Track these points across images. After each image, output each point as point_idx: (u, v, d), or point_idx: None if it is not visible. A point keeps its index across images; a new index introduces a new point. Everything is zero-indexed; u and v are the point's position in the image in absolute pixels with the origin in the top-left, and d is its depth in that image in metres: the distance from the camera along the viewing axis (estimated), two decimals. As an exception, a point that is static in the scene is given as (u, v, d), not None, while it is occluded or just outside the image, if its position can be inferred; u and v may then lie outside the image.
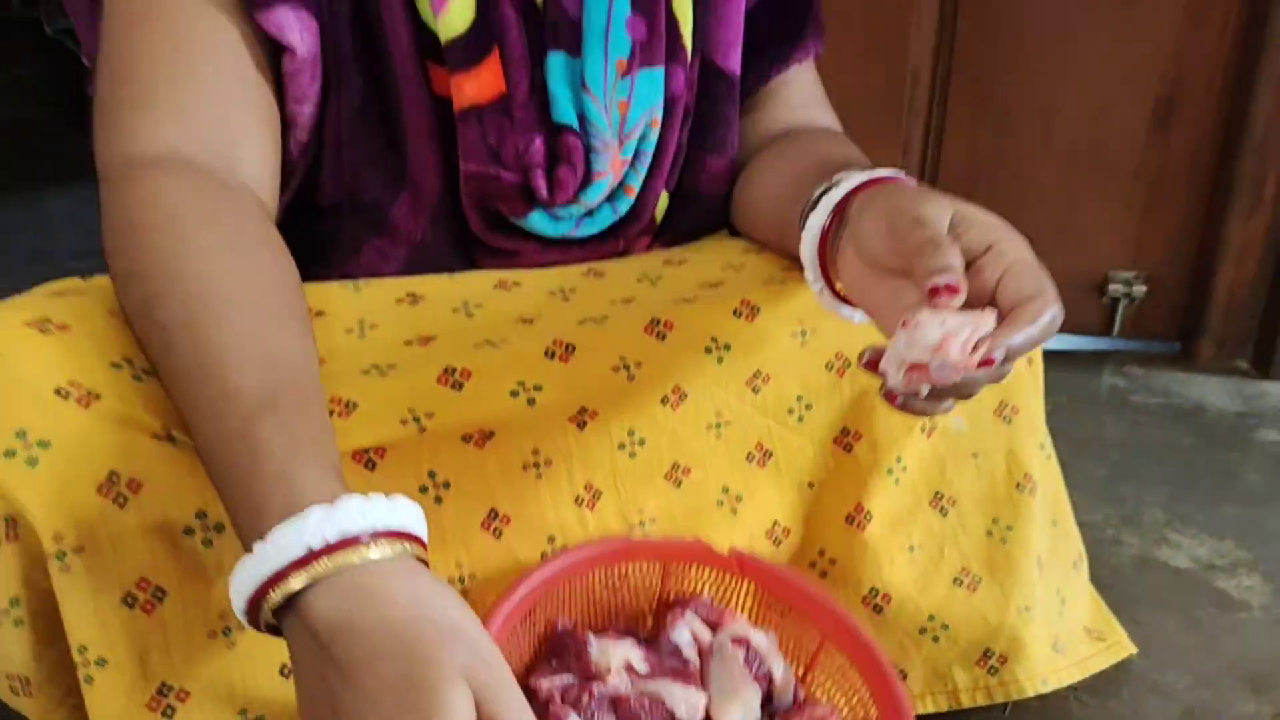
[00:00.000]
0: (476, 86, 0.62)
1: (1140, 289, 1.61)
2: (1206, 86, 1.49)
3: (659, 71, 0.67)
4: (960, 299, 0.46)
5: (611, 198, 0.70)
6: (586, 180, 0.67)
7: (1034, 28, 1.50)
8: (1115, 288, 1.61)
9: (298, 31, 0.59)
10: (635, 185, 0.70)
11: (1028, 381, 0.75)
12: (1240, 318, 1.57)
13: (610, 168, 0.67)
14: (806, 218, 0.58)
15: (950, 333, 0.44)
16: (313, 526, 0.39)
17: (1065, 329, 1.60)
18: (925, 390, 0.46)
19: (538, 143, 0.65)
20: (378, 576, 0.39)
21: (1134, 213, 1.58)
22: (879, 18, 1.52)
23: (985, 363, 0.44)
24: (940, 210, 0.50)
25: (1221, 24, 1.46)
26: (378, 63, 0.63)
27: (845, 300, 0.58)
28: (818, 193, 0.58)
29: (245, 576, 0.40)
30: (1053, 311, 0.47)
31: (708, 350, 0.63)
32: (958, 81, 1.55)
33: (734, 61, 0.72)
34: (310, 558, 0.39)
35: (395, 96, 0.63)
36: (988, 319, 0.46)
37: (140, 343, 0.51)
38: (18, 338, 0.48)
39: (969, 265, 0.48)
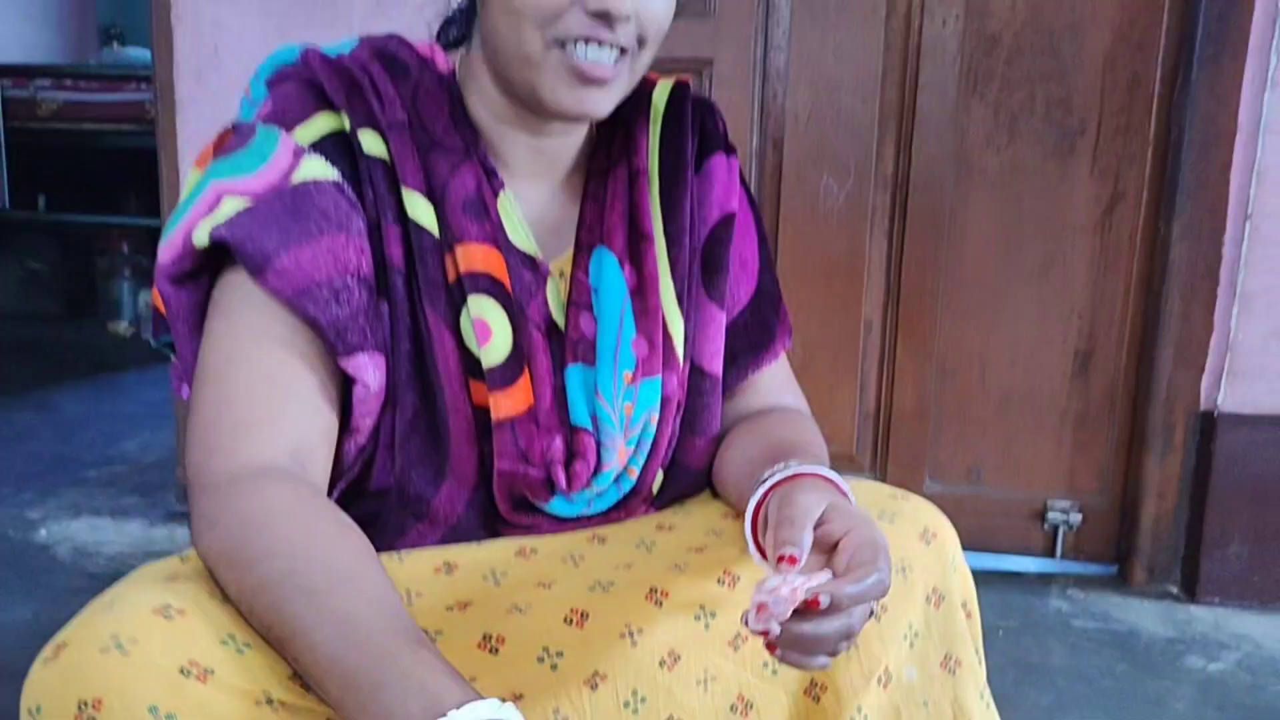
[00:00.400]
0: (510, 402, 0.74)
1: (1077, 517, 1.77)
2: (1116, 344, 1.72)
3: (657, 380, 0.80)
4: (799, 566, 0.62)
5: (618, 480, 0.83)
6: (597, 470, 0.78)
7: (968, 288, 1.74)
8: (1054, 515, 1.77)
9: (371, 370, 0.71)
10: (637, 468, 0.81)
11: (968, 636, 0.84)
12: (1166, 545, 1.73)
13: (617, 458, 0.79)
14: (748, 500, 0.74)
15: (787, 583, 0.60)
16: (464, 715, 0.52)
17: (1015, 551, 1.76)
18: (776, 629, 0.60)
19: (558, 442, 0.76)
20: None
21: (1065, 449, 1.77)
22: (837, 277, 1.76)
23: (812, 603, 0.60)
24: (815, 502, 0.66)
25: (1124, 291, 1.70)
26: (428, 383, 0.74)
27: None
28: (762, 478, 0.74)
29: None
30: (878, 575, 0.61)
31: (696, 617, 0.74)
32: (905, 331, 1.77)
33: (717, 366, 0.87)
34: None
35: (443, 409, 0.74)
36: (820, 575, 0.62)
37: (252, 614, 0.61)
38: (147, 625, 0.57)
39: (834, 545, 0.64)
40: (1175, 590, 1.73)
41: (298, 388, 0.69)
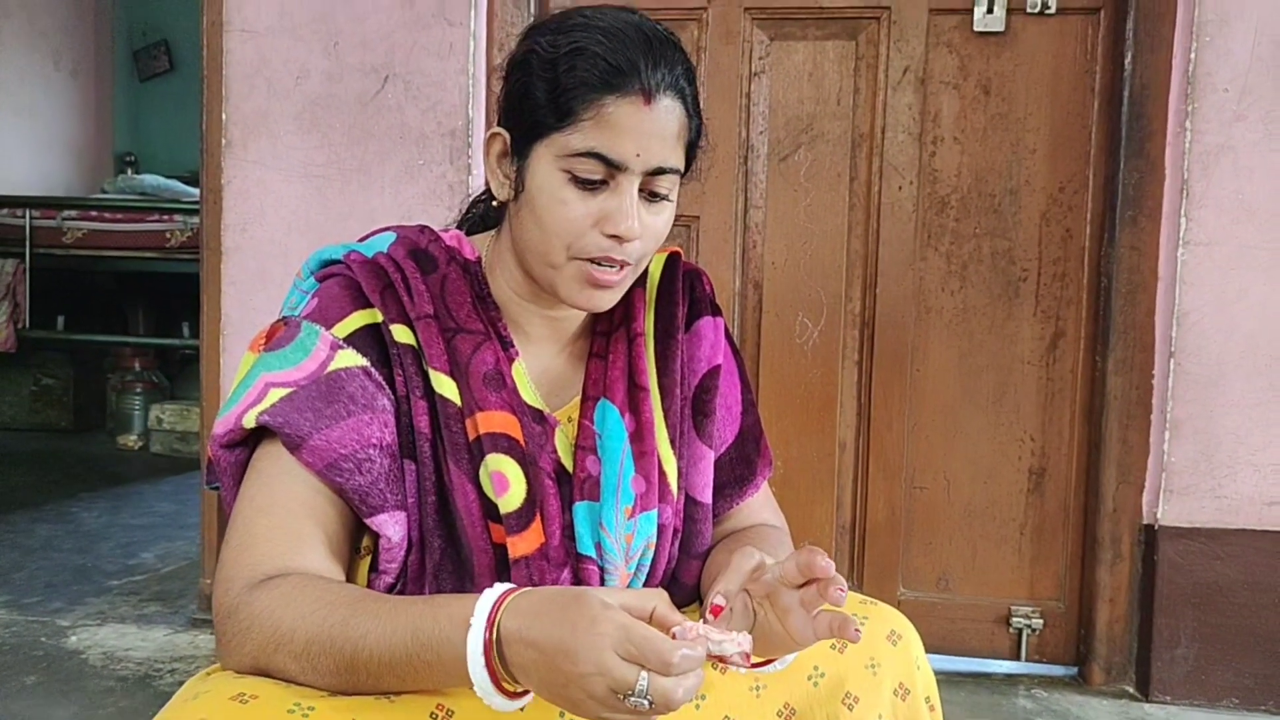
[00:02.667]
0: (525, 543, 0.84)
1: (1038, 621, 1.93)
2: (1066, 463, 1.92)
3: (654, 513, 0.90)
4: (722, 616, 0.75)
5: None
6: None
7: (931, 413, 1.94)
8: (1018, 620, 1.94)
9: (391, 526, 0.82)
10: (637, 588, 0.89)
11: None
12: (1121, 648, 1.89)
13: (619, 582, 0.89)
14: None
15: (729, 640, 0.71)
16: (488, 597, 0.68)
17: (981, 653, 1.91)
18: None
19: (565, 572, 0.86)
20: (533, 597, 0.68)
21: (1025, 558, 1.95)
22: (813, 404, 1.96)
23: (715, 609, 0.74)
24: (747, 561, 0.77)
25: (1070, 417, 1.91)
26: (452, 528, 0.85)
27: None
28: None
29: (475, 635, 0.66)
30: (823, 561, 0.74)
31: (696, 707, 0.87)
32: (875, 452, 1.96)
33: (707, 496, 0.95)
34: (499, 603, 0.67)
35: (467, 549, 0.85)
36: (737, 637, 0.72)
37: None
38: (228, 709, 0.68)
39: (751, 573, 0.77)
40: (1131, 689, 1.88)
41: (312, 539, 0.81)
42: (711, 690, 0.88)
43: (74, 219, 3.78)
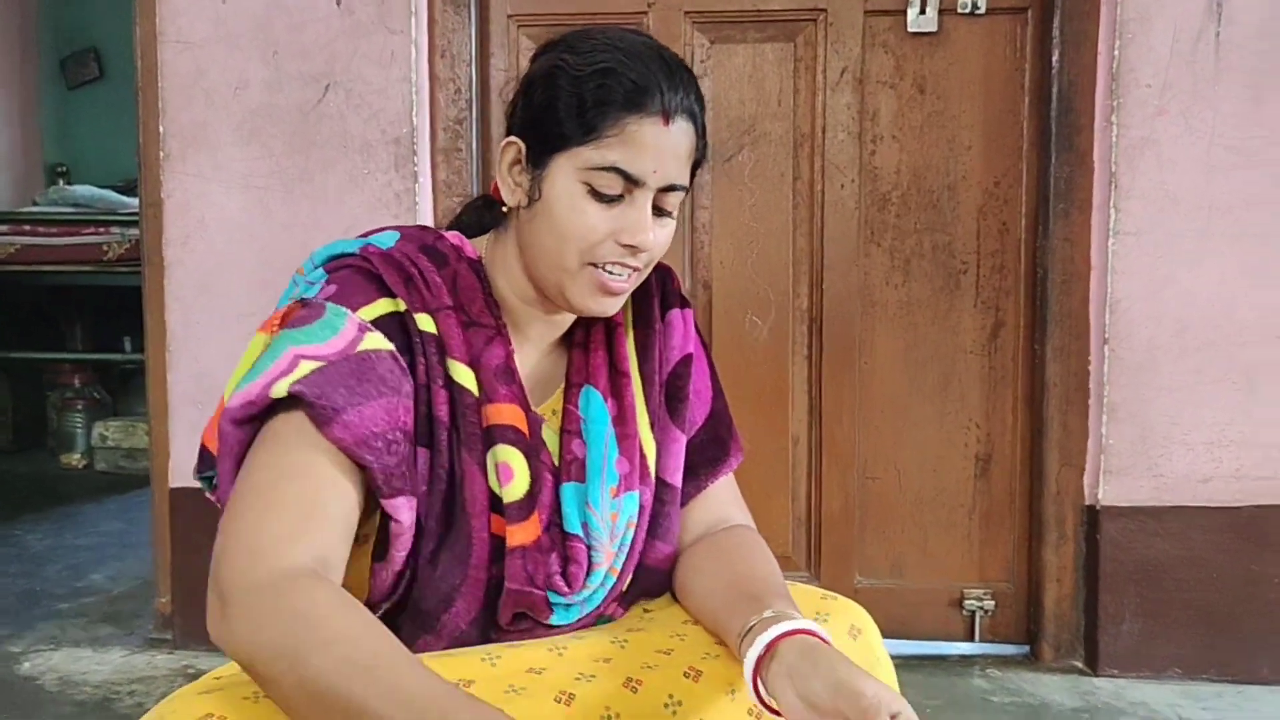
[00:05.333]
0: (523, 533, 0.88)
1: (990, 603, 1.99)
2: (1010, 448, 1.98)
3: (636, 493, 0.94)
4: None
5: (604, 581, 0.93)
6: (589, 571, 0.91)
7: (880, 404, 1.99)
8: (970, 602, 1.99)
9: (405, 511, 0.83)
10: (618, 568, 0.94)
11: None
12: (1069, 625, 1.95)
13: (604, 560, 0.92)
14: (743, 649, 0.82)
15: None
16: None
17: (936, 636, 1.97)
18: None
19: (554, 557, 0.90)
20: None
21: (973, 542, 2.00)
22: (765, 400, 1.99)
23: None
24: (875, 690, 0.74)
25: (1013, 403, 1.97)
26: (454, 517, 0.88)
27: (776, 712, 0.84)
28: (750, 625, 0.83)
29: None
30: None
31: (665, 705, 0.90)
32: (828, 444, 2.00)
33: (677, 479, 0.99)
34: None
35: (467, 538, 0.87)
36: None
37: (313, 698, 0.72)
38: None
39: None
40: (1080, 665, 1.95)
41: (331, 514, 0.80)
42: (689, 697, 0.90)
43: (5, 234, 3.66)
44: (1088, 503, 1.91)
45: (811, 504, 2.02)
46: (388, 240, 0.94)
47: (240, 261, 1.95)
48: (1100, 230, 1.86)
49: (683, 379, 1.01)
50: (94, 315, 4.11)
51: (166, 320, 1.98)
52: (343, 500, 0.81)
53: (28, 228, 3.70)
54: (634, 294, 1.01)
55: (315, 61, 1.92)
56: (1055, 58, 1.86)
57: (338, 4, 1.91)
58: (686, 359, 1.02)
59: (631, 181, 0.86)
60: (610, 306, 0.92)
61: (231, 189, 1.95)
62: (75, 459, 3.91)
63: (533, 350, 0.98)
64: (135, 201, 2.36)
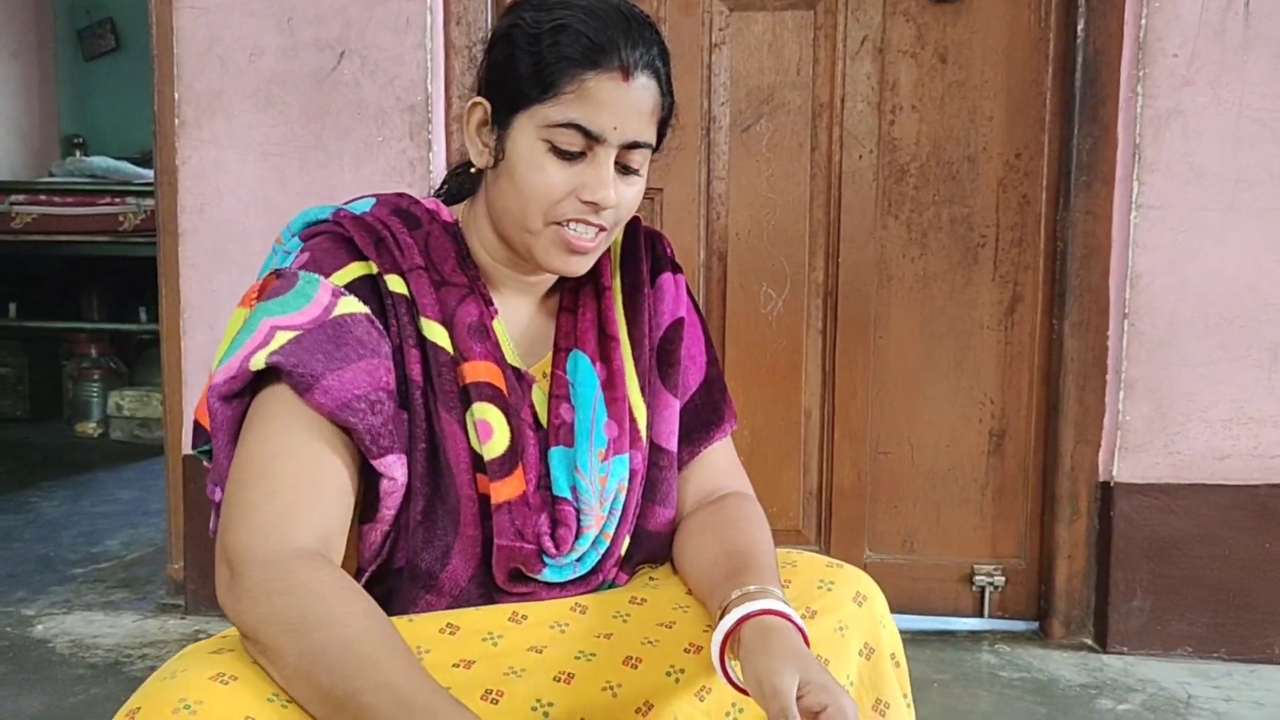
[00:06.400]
0: (508, 489, 0.88)
1: (1000, 579, 1.99)
2: (1025, 424, 1.96)
3: (626, 457, 0.94)
4: None
5: (594, 543, 0.98)
6: (578, 534, 0.91)
7: (894, 378, 1.97)
8: (980, 578, 1.99)
9: (398, 468, 0.85)
10: (610, 532, 0.94)
11: (896, 683, 0.98)
12: (1079, 602, 1.95)
13: (594, 523, 0.92)
14: (716, 626, 0.85)
15: None
16: None
17: (946, 612, 1.97)
18: None
19: (544, 516, 0.90)
20: None
21: (986, 518, 1.99)
22: (778, 373, 1.98)
23: None
24: (791, 682, 0.76)
25: (1028, 379, 1.95)
26: (439, 476, 0.88)
27: (743, 690, 0.85)
28: (726, 601, 0.85)
29: None
30: None
31: (668, 674, 0.90)
32: (840, 418, 1.99)
33: (672, 443, 0.99)
34: None
35: (454, 497, 0.87)
36: None
37: (309, 677, 0.73)
38: (209, 689, 0.70)
39: (816, 715, 0.75)
40: (1089, 642, 1.94)
41: (330, 484, 0.82)
42: (691, 666, 0.90)
43: (22, 204, 3.68)
44: (1102, 479, 1.90)
45: (823, 478, 2.01)
46: (363, 206, 0.95)
47: (256, 230, 1.94)
48: (1123, 204, 1.84)
49: (674, 343, 1.01)
50: (110, 285, 4.13)
51: (181, 288, 1.99)
52: (338, 473, 0.83)
53: (44, 198, 3.72)
54: (623, 258, 1.02)
55: (330, 28, 1.91)
56: (1080, 26, 1.83)
57: (353, -31, 1.90)
58: (678, 323, 1.02)
59: (592, 138, 0.86)
60: (578, 265, 0.91)
61: (247, 156, 1.94)
62: (91, 428, 3.94)
63: (518, 311, 0.98)
64: (151, 173, 2.35)
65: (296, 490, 0.80)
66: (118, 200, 3.66)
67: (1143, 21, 1.79)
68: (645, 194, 1.92)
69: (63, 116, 4.88)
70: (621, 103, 0.86)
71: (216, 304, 1.98)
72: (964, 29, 1.90)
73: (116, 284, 4.10)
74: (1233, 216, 1.81)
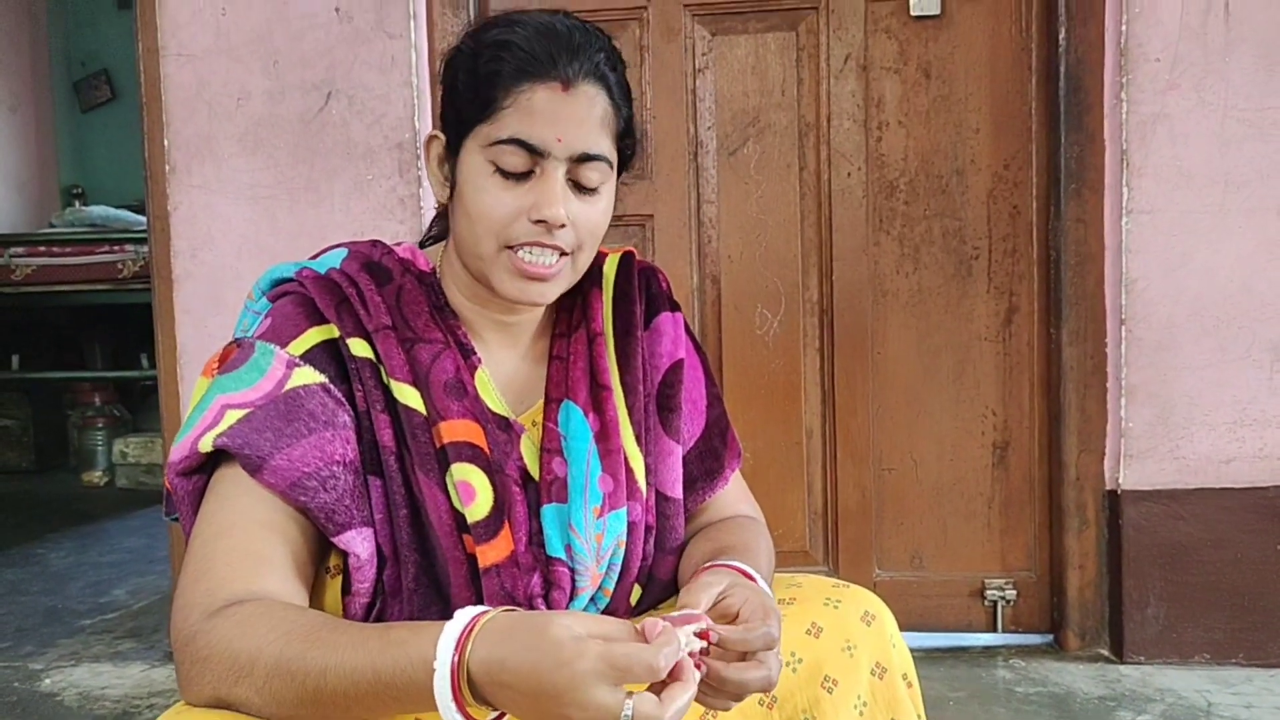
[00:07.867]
0: (495, 552, 0.84)
1: (1011, 592, 1.96)
2: (1028, 435, 1.95)
3: (623, 511, 0.91)
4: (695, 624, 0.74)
5: (593, 600, 0.91)
6: (573, 595, 0.88)
7: (894, 394, 1.96)
8: (992, 592, 1.96)
9: (360, 544, 0.81)
10: (610, 588, 0.91)
11: (909, 702, 0.96)
12: (1093, 612, 1.92)
13: (590, 583, 0.89)
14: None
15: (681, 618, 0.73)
16: (459, 619, 0.66)
17: (958, 628, 1.94)
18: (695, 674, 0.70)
19: (536, 577, 0.87)
20: (496, 636, 0.66)
21: (993, 531, 1.97)
22: (777, 393, 1.97)
23: (704, 635, 0.72)
24: (719, 579, 0.79)
25: (1029, 389, 1.94)
26: (426, 540, 0.85)
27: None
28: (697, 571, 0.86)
29: (442, 669, 0.65)
30: (765, 629, 0.73)
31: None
32: (842, 437, 1.98)
33: (677, 491, 0.96)
34: (461, 647, 0.65)
35: (442, 561, 0.84)
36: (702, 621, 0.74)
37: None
38: None
39: (736, 615, 0.76)
40: (1105, 652, 1.92)
41: (274, 561, 0.79)
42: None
43: (22, 255, 3.71)
44: (1108, 487, 1.88)
45: (827, 497, 2.00)
46: (333, 260, 0.92)
47: (249, 273, 1.95)
48: (1113, 209, 1.83)
49: (674, 388, 0.98)
50: (112, 333, 4.15)
51: (177, 334, 1.99)
52: (284, 544, 0.80)
53: (44, 249, 3.75)
54: (616, 299, 0.98)
55: (316, 69, 1.92)
56: (1062, 35, 1.84)
57: (336, 11, 1.91)
58: (677, 365, 0.98)
59: (535, 153, 0.83)
60: (538, 292, 0.87)
61: (238, 200, 1.95)
62: (97, 476, 3.94)
63: (503, 357, 0.95)
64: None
65: (229, 565, 0.77)
66: (116, 248, 3.68)
67: (1123, 28, 1.80)
68: (635, 221, 1.95)
69: (61, 167, 4.93)
70: (562, 113, 0.82)
71: (212, 348, 1.95)
72: (946, 43, 1.91)
73: (118, 331, 4.12)
74: (1224, 218, 1.81)
